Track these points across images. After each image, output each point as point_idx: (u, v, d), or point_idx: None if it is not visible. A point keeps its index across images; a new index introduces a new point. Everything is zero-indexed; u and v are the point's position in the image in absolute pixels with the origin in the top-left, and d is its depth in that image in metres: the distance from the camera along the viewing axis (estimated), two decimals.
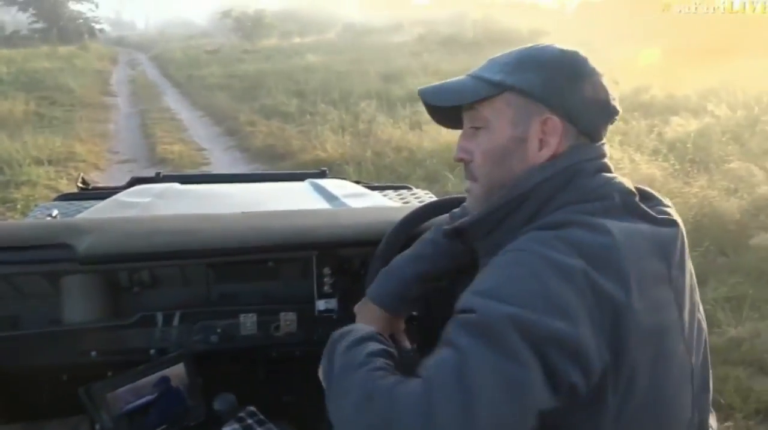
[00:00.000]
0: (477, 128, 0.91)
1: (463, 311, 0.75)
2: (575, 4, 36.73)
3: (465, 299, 0.77)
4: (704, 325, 0.92)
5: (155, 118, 10.73)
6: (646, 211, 0.86)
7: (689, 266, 0.89)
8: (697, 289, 0.92)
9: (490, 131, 0.89)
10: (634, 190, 0.88)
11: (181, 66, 19.61)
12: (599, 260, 0.76)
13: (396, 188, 2.33)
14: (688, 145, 5.64)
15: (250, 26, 27.44)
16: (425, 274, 1.18)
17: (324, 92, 11.11)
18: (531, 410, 0.69)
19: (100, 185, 2.79)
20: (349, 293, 1.33)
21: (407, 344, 1.22)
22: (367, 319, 1.20)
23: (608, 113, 0.90)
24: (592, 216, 0.81)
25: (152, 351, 1.31)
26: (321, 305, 1.35)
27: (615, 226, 0.80)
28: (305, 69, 15.26)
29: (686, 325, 0.85)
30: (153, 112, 11.47)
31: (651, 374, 0.78)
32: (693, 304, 0.88)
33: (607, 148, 0.92)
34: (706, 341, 0.92)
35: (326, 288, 1.35)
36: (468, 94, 0.91)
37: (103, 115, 11.23)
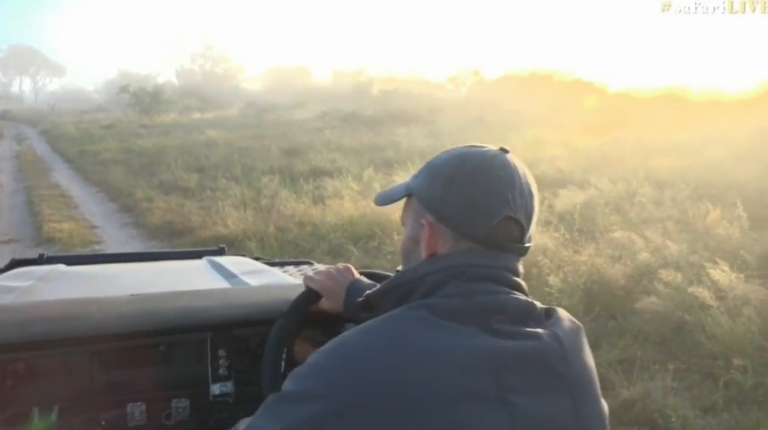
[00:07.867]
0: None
1: None
2: (469, 83, 39.16)
3: None
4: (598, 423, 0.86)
5: (43, 195, 10.18)
6: (500, 329, 0.81)
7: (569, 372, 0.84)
8: (589, 393, 0.86)
9: (405, 229, 0.99)
10: (520, 309, 0.85)
11: (74, 141, 18.94)
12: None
13: (297, 264, 2.30)
14: (576, 216, 6.00)
15: (148, 101, 27.00)
16: None
17: (225, 168, 11.04)
18: None
19: None
20: (246, 375, 1.28)
21: None
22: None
23: (488, 219, 0.85)
24: (432, 314, 0.81)
25: None
26: (216, 388, 1.30)
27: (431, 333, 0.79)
28: (206, 144, 15.16)
29: None
30: (41, 189, 10.89)
31: None
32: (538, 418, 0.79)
33: (513, 262, 0.89)
34: None
35: (221, 371, 1.30)
36: (389, 197, 1.02)
37: None
